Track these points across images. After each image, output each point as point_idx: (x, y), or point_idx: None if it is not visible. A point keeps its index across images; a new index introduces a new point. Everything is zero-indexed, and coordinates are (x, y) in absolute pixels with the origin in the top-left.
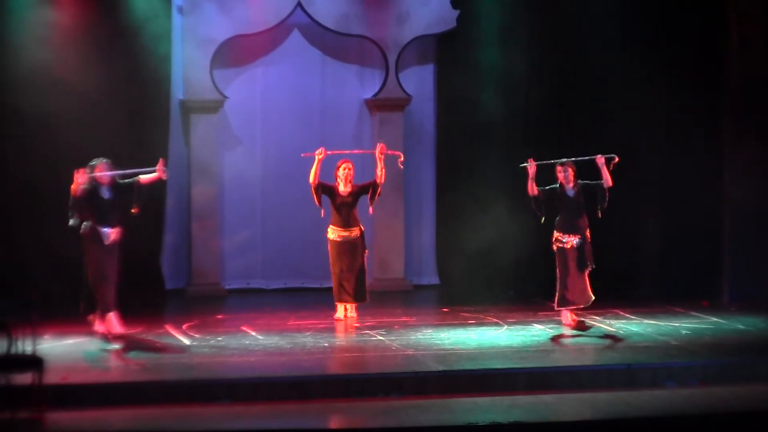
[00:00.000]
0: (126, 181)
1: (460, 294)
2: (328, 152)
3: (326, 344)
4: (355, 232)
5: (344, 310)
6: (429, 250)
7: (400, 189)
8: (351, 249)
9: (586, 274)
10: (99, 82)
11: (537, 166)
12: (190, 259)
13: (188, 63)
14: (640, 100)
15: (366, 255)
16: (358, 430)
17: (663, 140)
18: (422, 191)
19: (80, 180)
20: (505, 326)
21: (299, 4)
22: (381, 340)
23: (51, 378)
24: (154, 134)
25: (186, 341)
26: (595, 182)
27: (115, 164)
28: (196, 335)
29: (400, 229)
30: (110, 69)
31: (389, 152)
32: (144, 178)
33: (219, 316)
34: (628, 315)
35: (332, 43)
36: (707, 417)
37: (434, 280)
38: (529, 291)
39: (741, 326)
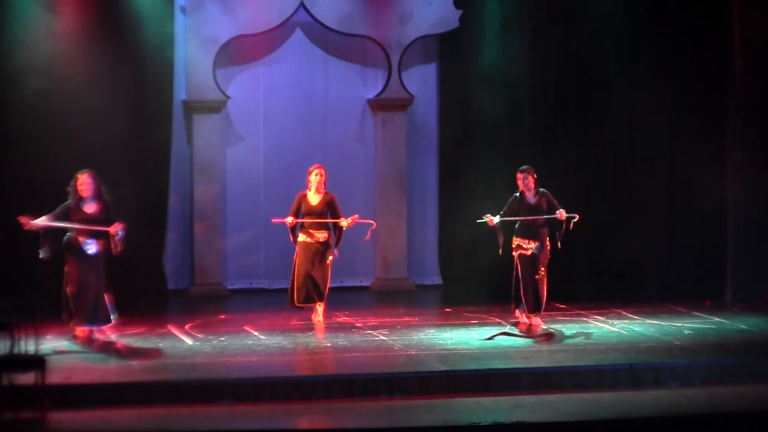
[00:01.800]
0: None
1: (463, 294)
2: (298, 220)
3: (329, 344)
4: (322, 235)
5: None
6: (432, 250)
7: (403, 189)
8: (316, 253)
9: (543, 281)
10: (102, 82)
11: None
12: (193, 260)
13: (191, 63)
14: (644, 100)
15: (331, 260)
16: (362, 430)
17: (666, 140)
18: (425, 191)
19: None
20: (508, 326)
21: (302, 4)
22: (384, 340)
23: (53, 378)
24: (156, 134)
25: (189, 341)
26: (555, 206)
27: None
28: (199, 335)
29: (402, 229)
30: (113, 69)
31: (362, 221)
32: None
33: (222, 316)
34: (631, 315)
35: (335, 42)
36: (710, 417)
37: (437, 280)
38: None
39: (744, 326)
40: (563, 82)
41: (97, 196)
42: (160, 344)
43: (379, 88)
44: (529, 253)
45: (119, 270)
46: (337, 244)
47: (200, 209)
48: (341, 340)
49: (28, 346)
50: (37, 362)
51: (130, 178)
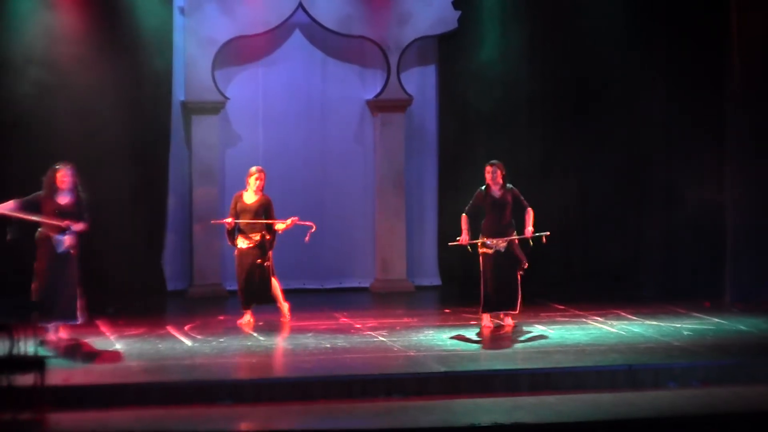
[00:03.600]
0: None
1: (462, 295)
2: (237, 221)
3: (328, 345)
4: (256, 237)
5: (251, 315)
6: (431, 250)
7: (401, 190)
8: (254, 255)
9: (518, 277)
10: (100, 83)
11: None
12: (192, 261)
13: (189, 64)
14: (642, 100)
15: (268, 264)
16: (360, 431)
17: (664, 139)
18: (424, 192)
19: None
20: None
21: (300, 5)
22: (383, 341)
23: (53, 379)
24: (155, 136)
25: (188, 342)
26: (521, 203)
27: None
28: (198, 336)
29: (401, 230)
30: (112, 70)
31: (301, 223)
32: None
33: (221, 317)
34: (629, 316)
35: (334, 43)
36: (709, 418)
37: (436, 281)
38: (530, 291)
39: (743, 327)
40: (562, 82)
41: (73, 190)
42: (159, 345)
43: (378, 89)
44: (491, 252)
45: (118, 270)
46: (270, 247)
47: (199, 210)
48: (340, 341)
49: (27, 347)
50: (37, 363)
51: (128, 178)
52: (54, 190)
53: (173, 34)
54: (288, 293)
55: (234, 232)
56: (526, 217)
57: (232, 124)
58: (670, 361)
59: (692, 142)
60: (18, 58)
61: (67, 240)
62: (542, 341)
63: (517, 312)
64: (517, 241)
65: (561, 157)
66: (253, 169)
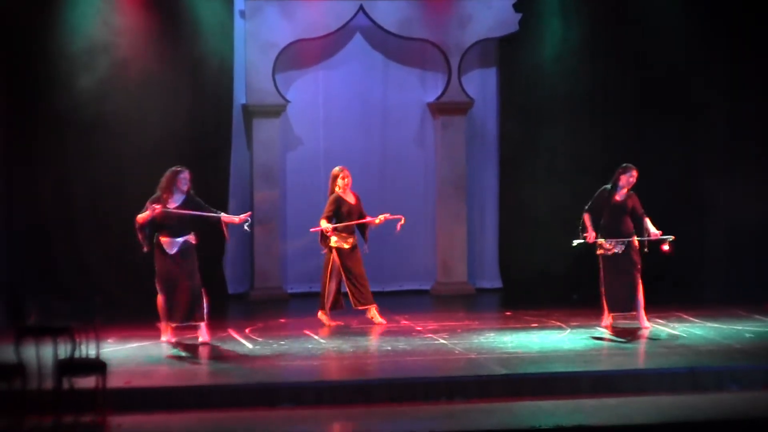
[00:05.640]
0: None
1: (523, 297)
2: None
3: (389, 348)
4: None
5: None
6: (492, 253)
7: (462, 192)
8: (357, 254)
9: (637, 281)
10: (162, 86)
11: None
12: (253, 263)
13: (250, 67)
14: (703, 101)
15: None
16: None
17: (728, 139)
18: (485, 194)
19: (153, 212)
20: (568, 329)
21: (361, 8)
22: (444, 343)
23: (114, 382)
24: (216, 139)
25: (249, 345)
26: (638, 210)
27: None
28: (259, 339)
29: (462, 232)
30: (173, 74)
31: (392, 217)
32: (225, 217)
33: (281, 320)
34: (691, 318)
35: (394, 46)
36: None
37: (497, 283)
38: (592, 295)
39: None
40: (623, 82)
41: (187, 192)
42: (221, 348)
43: (439, 92)
44: (611, 253)
45: None
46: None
47: (260, 213)
48: (401, 343)
49: (88, 349)
50: (98, 366)
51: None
52: (172, 191)
53: (234, 37)
54: (347, 296)
55: (325, 236)
56: (646, 222)
57: (292, 127)
58: (732, 363)
59: (754, 145)
60: (79, 62)
61: (183, 242)
62: (604, 343)
63: (635, 313)
64: (637, 245)
65: (624, 157)
66: (336, 169)
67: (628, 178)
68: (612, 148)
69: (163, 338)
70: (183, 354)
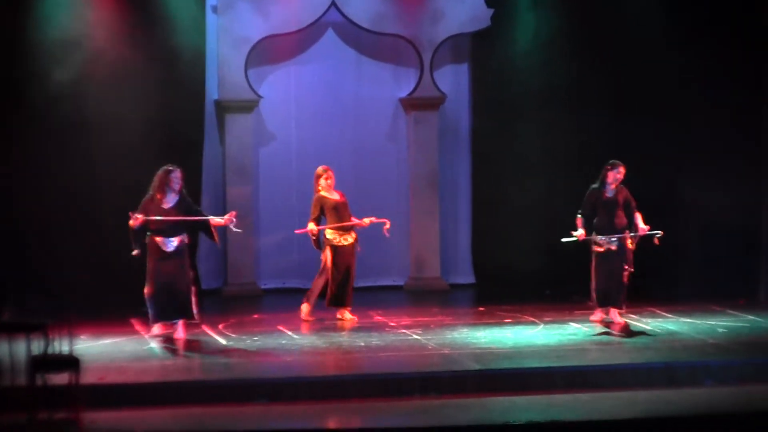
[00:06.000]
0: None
1: (497, 293)
2: (320, 228)
3: (362, 344)
4: (352, 234)
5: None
6: (465, 249)
7: (435, 188)
8: (351, 250)
9: (624, 277)
10: (133, 81)
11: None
12: (226, 259)
13: (223, 63)
14: (679, 98)
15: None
16: (396, 429)
17: (702, 133)
18: (457, 190)
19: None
20: (542, 325)
21: (333, 3)
22: (417, 339)
23: (88, 378)
24: (189, 134)
25: (223, 341)
26: (630, 203)
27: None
28: (233, 335)
29: (435, 228)
30: (145, 68)
31: (377, 220)
32: (214, 220)
33: (255, 316)
34: (664, 313)
35: (367, 41)
36: (746, 415)
37: (470, 279)
38: (566, 290)
39: None
40: (597, 76)
41: (179, 192)
42: (195, 344)
43: (411, 87)
44: (603, 249)
45: None
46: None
47: (233, 209)
48: (375, 339)
49: (62, 346)
50: (71, 362)
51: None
52: (165, 191)
53: (206, 33)
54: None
55: (319, 236)
56: (636, 218)
57: (265, 123)
58: (706, 358)
59: (729, 141)
60: (50, 56)
61: (176, 240)
62: (577, 338)
63: (623, 311)
64: (629, 242)
65: (596, 154)
66: (320, 169)
67: (615, 175)
68: (585, 143)
69: (153, 332)
70: (157, 350)
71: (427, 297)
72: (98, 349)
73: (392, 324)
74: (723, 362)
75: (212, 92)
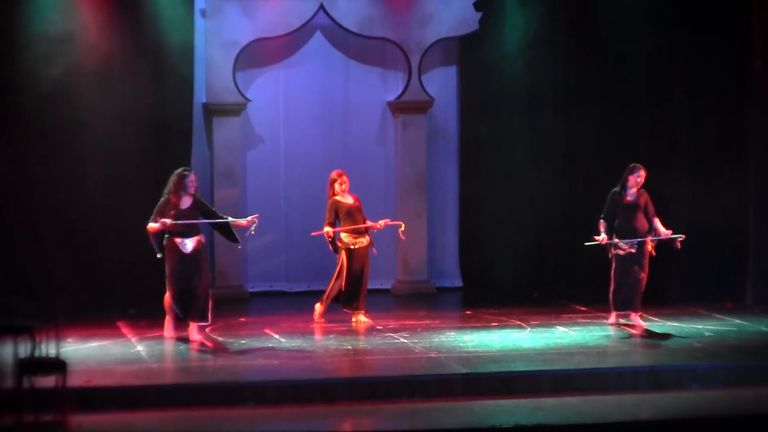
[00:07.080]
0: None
1: (484, 296)
2: (336, 230)
3: (349, 347)
4: (365, 236)
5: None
6: (452, 252)
7: (423, 191)
8: (365, 253)
9: (643, 281)
10: (121, 85)
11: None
12: (213, 262)
13: (211, 66)
14: (665, 99)
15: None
16: None
17: (687, 135)
18: (445, 194)
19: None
20: (529, 329)
21: (322, 7)
22: (404, 342)
23: (74, 381)
24: (177, 137)
25: (210, 344)
26: (649, 208)
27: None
28: (220, 338)
29: (423, 231)
30: (132, 72)
31: (392, 223)
32: (233, 221)
33: (242, 319)
34: (651, 317)
35: (355, 45)
36: (732, 419)
37: (457, 282)
38: (553, 293)
39: (764, 328)
40: (584, 78)
41: (194, 194)
42: (181, 347)
43: (399, 91)
44: (623, 253)
45: (140, 272)
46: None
47: (221, 212)
48: (362, 342)
49: (48, 348)
50: (58, 365)
51: (149, 181)
52: (180, 194)
53: (194, 36)
54: (310, 294)
55: (334, 239)
56: (656, 223)
57: (253, 126)
58: (692, 362)
59: (715, 143)
60: (38, 59)
61: (192, 241)
62: (564, 342)
63: (639, 314)
64: (650, 246)
65: (584, 158)
66: (334, 174)
67: (636, 178)
68: (573, 145)
69: (165, 334)
70: (144, 353)
71: (414, 300)
72: (85, 352)
73: (379, 327)
74: (709, 366)
75: (200, 95)
